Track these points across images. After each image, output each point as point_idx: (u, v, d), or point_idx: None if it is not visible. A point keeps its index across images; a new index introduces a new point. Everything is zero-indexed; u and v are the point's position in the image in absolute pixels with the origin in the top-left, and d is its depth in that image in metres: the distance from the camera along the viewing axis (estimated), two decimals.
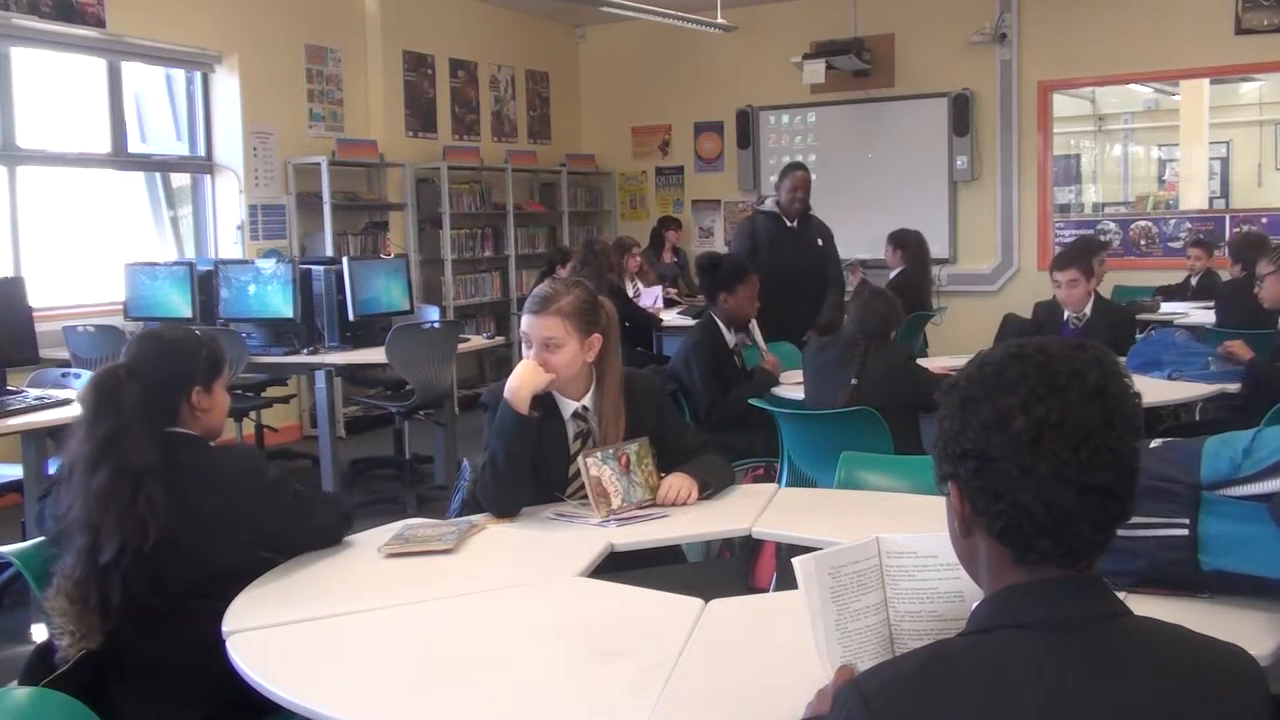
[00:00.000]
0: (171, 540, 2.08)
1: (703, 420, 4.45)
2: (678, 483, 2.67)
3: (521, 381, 2.62)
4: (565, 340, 2.65)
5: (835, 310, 5.78)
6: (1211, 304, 6.35)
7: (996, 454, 1.17)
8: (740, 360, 4.78)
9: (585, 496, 2.65)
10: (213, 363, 2.34)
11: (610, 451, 2.62)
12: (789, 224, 5.93)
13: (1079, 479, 1.15)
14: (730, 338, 4.71)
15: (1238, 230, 8.20)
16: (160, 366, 2.26)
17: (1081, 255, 5.06)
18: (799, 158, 9.90)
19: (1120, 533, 1.74)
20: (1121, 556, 1.84)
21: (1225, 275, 7.10)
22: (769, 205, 6.04)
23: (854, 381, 4.02)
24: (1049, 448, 1.15)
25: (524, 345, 2.71)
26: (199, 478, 2.19)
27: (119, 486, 2.07)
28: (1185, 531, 1.83)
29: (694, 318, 6.73)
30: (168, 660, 2.13)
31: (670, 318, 7.36)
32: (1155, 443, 1.95)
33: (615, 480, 2.60)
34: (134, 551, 2.05)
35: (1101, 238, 8.75)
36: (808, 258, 5.94)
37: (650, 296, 7.72)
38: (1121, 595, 1.33)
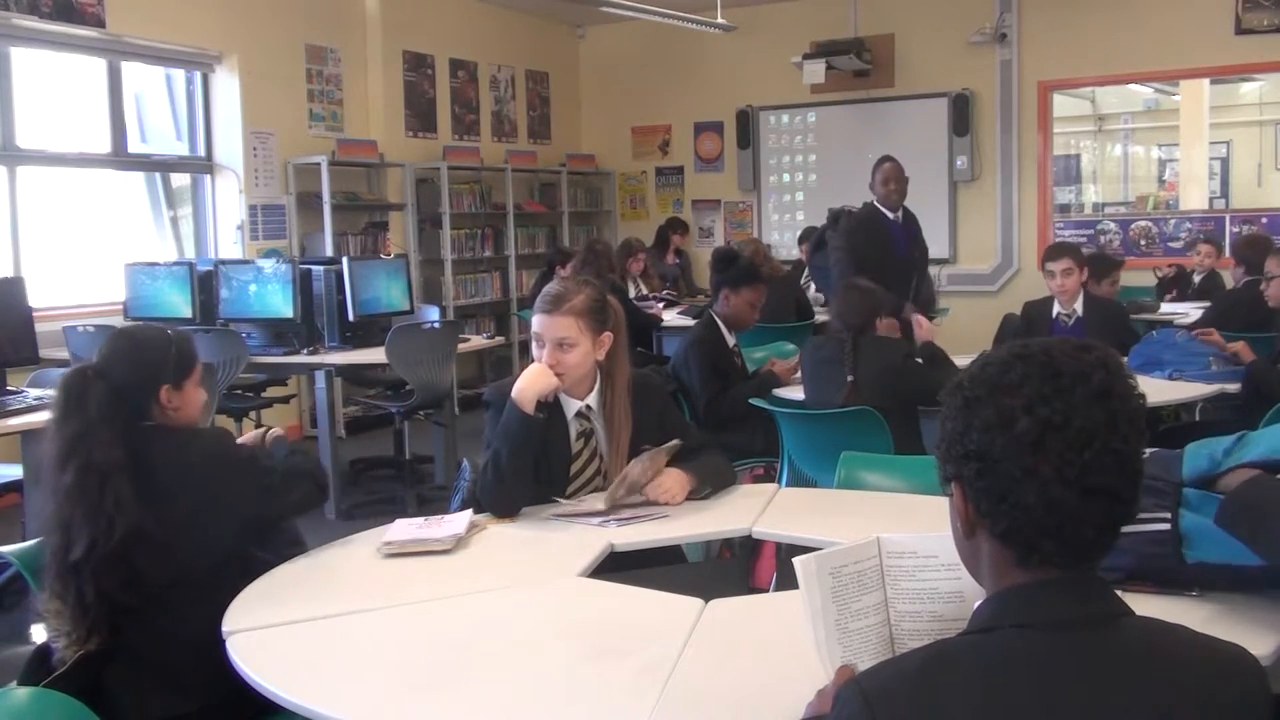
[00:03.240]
0: (142, 535, 2.09)
1: (700, 418, 4.45)
2: (668, 482, 2.66)
3: (529, 384, 2.61)
4: (579, 340, 2.64)
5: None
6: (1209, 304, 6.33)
7: (1000, 455, 1.17)
8: (740, 360, 4.78)
9: (585, 496, 2.67)
10: (182, 361, 2.35)
11: (663, 448, 2.62)
12: (890, 216, 5.91)
13: (1082, 481, 1.14)
14: (730, 337, 4.70)
15: (1238, 231, 8.20)
16: (128, 367, 2.27)
17: (1074, 248, 5.10)
18: (799, 158, 9.94)
19: None
20: (1111, 553, 1.85)
21: (1227, 276, 7.09)
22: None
23: (850, 378, 4.02)
24: (1052, 449, 1.14)
25: (534, 345, 2.70)
26: (171, 467, 2.21)
27: (86, 484, 2.09)
28: (1167, 526, 1.86)
29: (694, 317, 6.74)
30: (163, 652, 2.14)
31: (670, 318, 7.36)
32: (1145, 453, 1.97)
33: (644, 474, 2.61)
34: (102, 548, 2.06)
35: (1101, 238, 8.75)
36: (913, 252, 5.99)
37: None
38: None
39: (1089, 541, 1.18)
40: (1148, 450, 1.95)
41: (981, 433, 1.18)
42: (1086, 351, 1.20)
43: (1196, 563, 1.85)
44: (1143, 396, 1.21)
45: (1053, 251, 5.04)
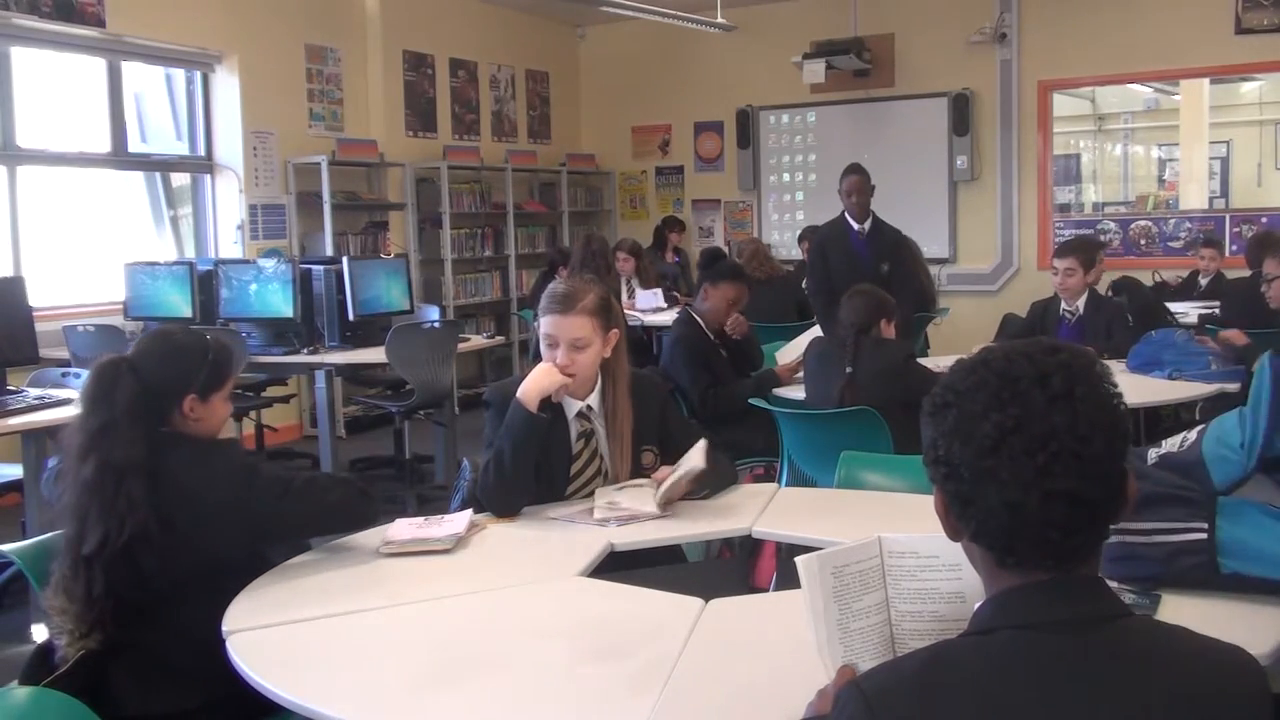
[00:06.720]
0: (147, 538, 2.08)
1: (696, 413, 4.47)
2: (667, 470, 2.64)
3: (534, 382, 2.60)
4: (592, 339, 2.64)
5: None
6: (1217, 305, 6.32)
7: (960, 460, 1.18)
8: (726, 352, 4.80)
9: (585, 496, 2.68)
10: (215, 374, 2.29)
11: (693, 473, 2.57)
12: (855, 228, 5.93)
13: (1039, 485, 1.13)
14: (709, 332, 4.74)
15: (1238, 231, 8.19)
16: (160, 367, 2.25)
17: (1080, 247, 5.13)
18: (799, 158, 9.94)
19: (1138, 539, 1.75)
20: (1142, 563, 1.86)
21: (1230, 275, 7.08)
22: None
23: (849, 370, 4.04)
24: (1007, 454, 1.14)
25: (544, 346, 2.67)
26: (184, 479, 2.18)
27: (104, 479, 2.09)
28: (1204, 535, 1.85)
29: None
30: (168, 648, 2.14)
31: (667, 318, 7.33)
32: (1152, 457, 1.97)
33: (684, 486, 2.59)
34: (112, 544, 2.06)
35: (1101, 237, 8.75)
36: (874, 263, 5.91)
37: (648, 300, 7.68)
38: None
39: (1056, 544, 1.16)
40: (1157, 454, 1.95)
41: (946, 437, 1.19)
42: (1052, 354, 1.19)
43: (1232, 573, 1.84)
44: (1117, 397, 1.19)
45: (1060, 250, 5.12)
